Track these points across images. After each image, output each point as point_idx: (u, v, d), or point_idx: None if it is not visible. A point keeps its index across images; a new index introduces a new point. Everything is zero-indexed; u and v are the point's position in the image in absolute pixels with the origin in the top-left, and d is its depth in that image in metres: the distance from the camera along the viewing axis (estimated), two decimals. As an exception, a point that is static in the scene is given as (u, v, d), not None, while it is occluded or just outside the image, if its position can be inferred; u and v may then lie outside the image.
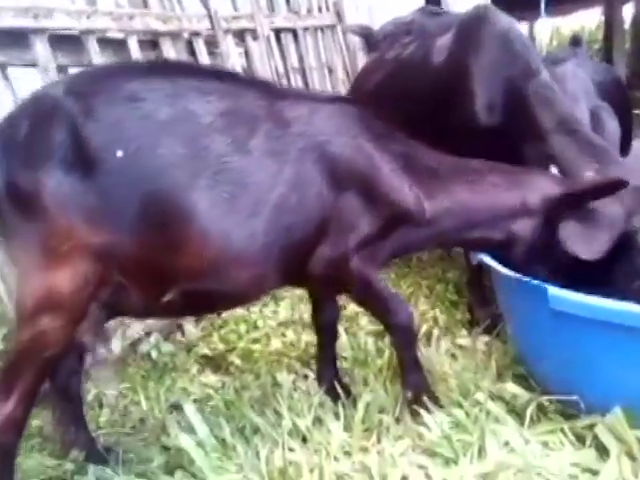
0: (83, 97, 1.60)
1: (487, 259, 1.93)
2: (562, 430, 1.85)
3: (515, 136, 2.17)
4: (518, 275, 1.79)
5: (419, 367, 2.06)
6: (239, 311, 3.00)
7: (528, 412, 1.89)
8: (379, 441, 1.91)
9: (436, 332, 2.51)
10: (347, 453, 1.87)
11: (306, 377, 2.34)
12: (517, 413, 1.96)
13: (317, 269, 1.85)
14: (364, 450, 1.86)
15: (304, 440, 1.95)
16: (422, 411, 1.96)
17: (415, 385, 2.02)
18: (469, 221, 1.94)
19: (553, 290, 1.65)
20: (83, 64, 2.70)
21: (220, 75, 1.92)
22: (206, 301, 1.84)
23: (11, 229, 1.61)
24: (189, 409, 2.01)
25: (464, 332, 2.62)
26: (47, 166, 1.54)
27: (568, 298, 1.64)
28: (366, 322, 2.76)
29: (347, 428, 1.97)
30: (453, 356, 2.41)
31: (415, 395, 2.01)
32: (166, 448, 2.06)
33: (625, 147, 2.78)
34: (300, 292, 3.14)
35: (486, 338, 2.49)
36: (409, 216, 1.89)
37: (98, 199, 1.56)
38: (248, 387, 2.32)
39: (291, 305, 3.00)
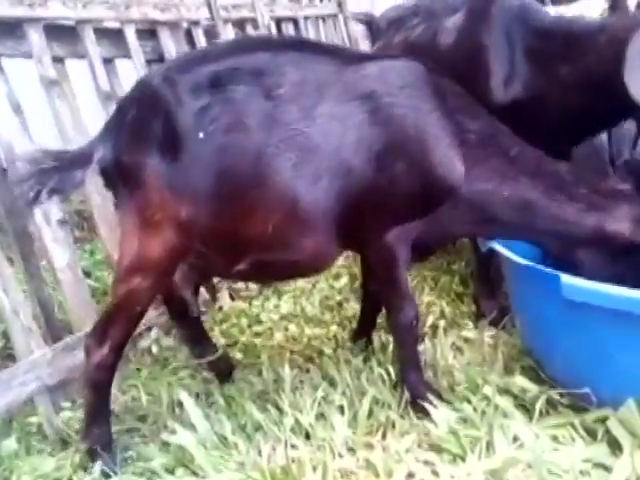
0: (175, 85, 1.75)
1: (498, 246, 1.86)
2: (572, 424, 1.80)
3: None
4: (530, 263, 1.73)
5: (418, 366, 2.02)
6: (241, 305, 2.95)
7: (537, 406, 1.84)
8: (384, 437, 1.87)
9: (442, 325, 2.45)
10: (351, 449, 1.82)
11: (308, 371, 2.29)
12: (526, 407, 1.91)
13: (364, 238, 1.88)
14: (369, 446, 1.82)
15: (307, 436, 1.90)
16: (428, 406, 1.91)
17: (414, 384, 1.99)
18: (527, 222, 1.85)
19: (566, 278, 1.59)
20: (79, 54, 2.65)
21: (295, 44, 1.98)
22: (275, 270, 1.97)
23: (119, 198, 1.86)
24: (189, 405, 1.97)
25: (470, 325, 2.56)
26: (147, 149, 1.73)
27: (581, 286, 1.58)
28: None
29: (351, 424, 1.92)
30: (459, 349, 2.36)
31: (413, 393, 1.97)
32: (167, 445, 2.02)
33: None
34: (302, 285, 3.10)
35: (493, 331, 2.43)
36: (453, 195, 1.81)
37: (183, 177, 1.72)
38: (250, 382, 2.28)
39: (293, 299, 2.94)
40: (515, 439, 1.77)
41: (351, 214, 1.81)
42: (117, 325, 1.84)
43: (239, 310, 2.89)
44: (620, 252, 1.78)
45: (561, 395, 1.89)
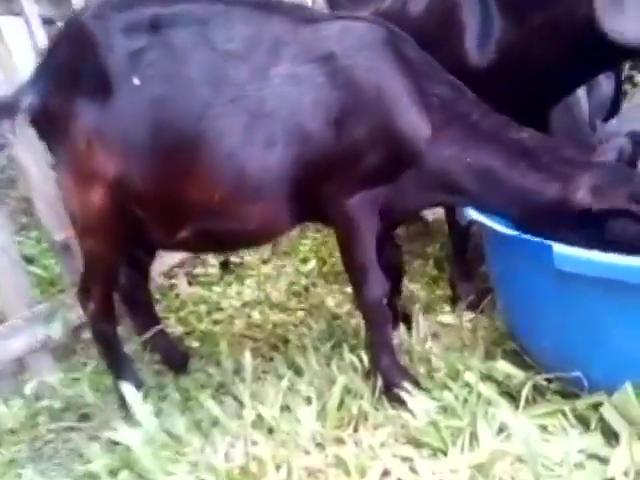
0: (106, 22, 1.60)
1: (479, 217, 1.69)
2: (563, 412, 1.64)
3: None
4: (517, 233, 1.56)
5: (390, 350, 1.84)
6: (199, 291, 2.72)
7: (523, 393, 1.67)
8: (356, 430, 1.68)
9: (416, 309, 2.27)
10: (319, 445, 1.63)
11: (272, 360, 2.08)
12: (511, 395, 1.74)
13: (324, 207, 1.73)
14: (339, 441, 1.63)
15: (270, 431, 1.70)
16: (404, 395, 1.72)
17: (387, 370, 1.81)
18: (488, 190, 1.71)
19: (559, 247, 1.42)
20: (14, 12, 2.38)
21: (248, 1, 1.77)
22: (221, 239, 1.83)
23: (53, 152, 1.75)
24: (134, 400, 1.74)
25: (447, 309, 2.40)
26: (74, 92, 1.60)
27: (575, 256, 1.42)
28: (340, 300, 2.51)
29: (319, 416, 1.73)
30: (435, 335, 2.19)
31: (387, 380, 1.80)
32: (113, 445, 1.79)
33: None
34: (267, 270, 2.89)
35: (471, 315, 2.27)
36: (418, 159, 1.69)
37: (115, 127, 1.59)
38: (207, 374, 2.06)
39: (257, 284, 2.73)
40: (501, 430, 1.60)
41: (308, 182, 1.67)
42: (94, 280, 1.82)
43: (197, 296, 2.66)
44: (583, 222, 1.63)
45: (549, 380, 1.72)
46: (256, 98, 1.60)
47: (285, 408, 1.79)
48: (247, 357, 1.87)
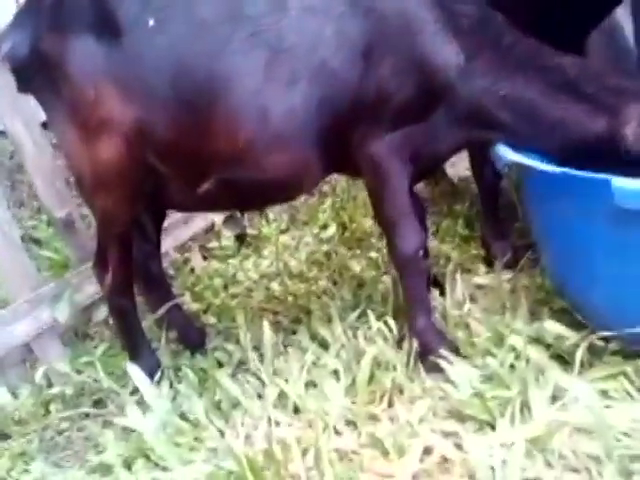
0: None
1: (519, 158, 1.48)
2: (625, 374, 1.46)
3: None
4: (565, 169, 1.35)
5: (427, 310, 1.70)
6: (215, 264, 2.56)
7: (578, 355, 1.49)
8: (391, 405, 1.52)
9: (449, 271, 2.07)
10: (351, 423, 1.47)
11: (295, 333, 1.91)
12: (563, 358, 1.56)
13: (353, 152, 1.60)
14: (373, 418, 1.48)
15: (296, 411, 1.55)
16: (443, 363, 1.54)
17: (423, 333, 1.66)
18: (526, 123, 1.53)
19: (619, 182, 1.21)
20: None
21: None
22: (246, 192, 1.69)
23: (47, 107, 1.61)
24: (142, 383, 1.60)
25: (482, 269, 2.19)
26: (73, 29, 1.48)
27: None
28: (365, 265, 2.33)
29: (349, 392, 1.57)
30: (472, 298, 1.99)
31: (424, 344, 1.64)
32: (128, 432, 1.66)
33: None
34: (284, 240, 2.71)
35: (509, 274, 2.06)
36: (450, 91, 1.52)
37: (128, 71, 1.49)
38: (226, 351, 1.90)
39: (275, 255, 2.56)
40: (555, 397, 1.42)
41: (335, 124, 1.55)
42: (110, 247, 1.71)
43: (213, 270, 2.50)
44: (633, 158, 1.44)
45: (606, 340, 1.53)
46: (274, 32, 1.49)
47: (311, 384, 1.63)
48: (266, 331, 1.71)
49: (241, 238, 2.80)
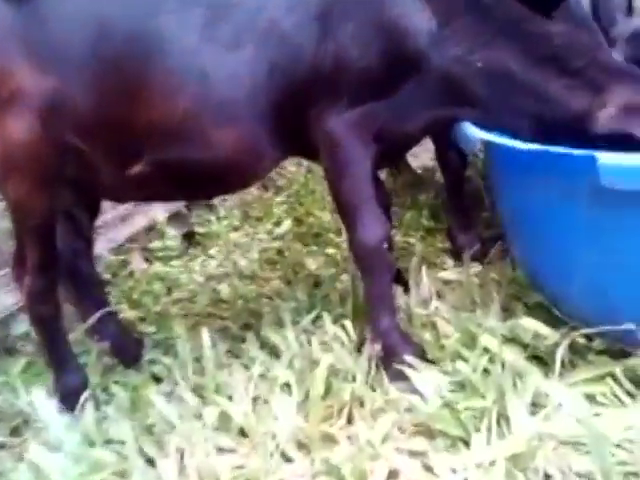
0: None
1: (491, 137, 1.31)
2: (612, 376, 1.30)
3: None
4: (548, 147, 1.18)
5: (391, 310, 1.51)
6: (157, 267, 2.32)
7: (558, 356, 1.32)
8: (350, 422, 1.32)
9: (413, 265, 1.89)
10: (303, 447, 1.25)
11: (244, 341, 1.70)
12: (543, 359, 1.40)
13: (309, 130, 1.45)
14: (328, 439, 1.27)
15: (242, 434, 1.33)
16: (408, 370, 1.35)
17: (386, 332, 1.48)
18: (502, 97, 1.40)
19: (606, 158, 1.03)
20: None
21: None
22: (185, 175, 1.50)
23: None
24: (46, 412, 1.35)
25: (449, 263, 2.03)
26: None
27: (628, 167, 1.03)
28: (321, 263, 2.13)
29: (302, 408, 1.36)
30: (438, 295, 1.81)
31: (387, 347, 1.46)
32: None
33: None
34: (235, 237, 2.49)
35: (478, 268, 1.91)
36: (420, 62, 1.37)
37: (40, 34, 1.34)
38: (164, 365, 1.67)
39: (225, 253, 2.34)
40: (535, 405, 1.25)
41: (288, 96, 1.41)
42: (27, 244, 1.51)
43: (154, 273, 2.26)
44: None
45: (589, 338, 1.37)
46: None
47: (259, 401, 1.42)
48: (206, 340, 1.49)
49: (189, 237, 2.58)
